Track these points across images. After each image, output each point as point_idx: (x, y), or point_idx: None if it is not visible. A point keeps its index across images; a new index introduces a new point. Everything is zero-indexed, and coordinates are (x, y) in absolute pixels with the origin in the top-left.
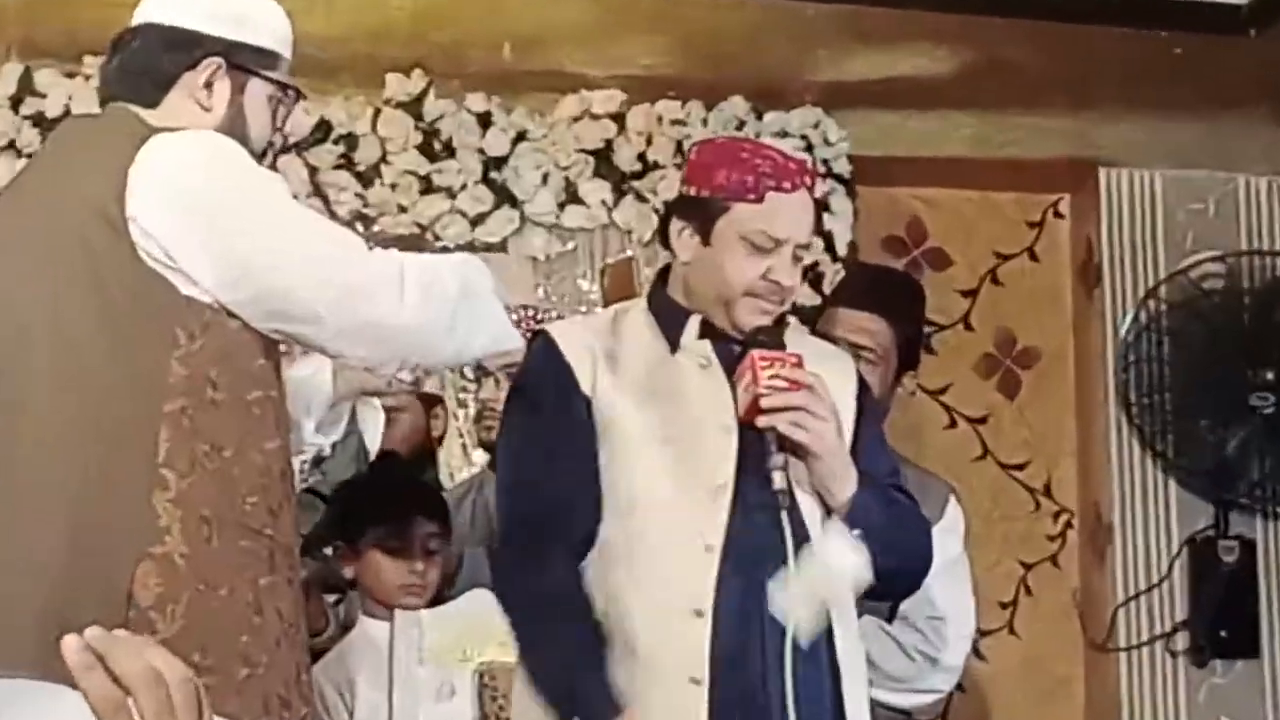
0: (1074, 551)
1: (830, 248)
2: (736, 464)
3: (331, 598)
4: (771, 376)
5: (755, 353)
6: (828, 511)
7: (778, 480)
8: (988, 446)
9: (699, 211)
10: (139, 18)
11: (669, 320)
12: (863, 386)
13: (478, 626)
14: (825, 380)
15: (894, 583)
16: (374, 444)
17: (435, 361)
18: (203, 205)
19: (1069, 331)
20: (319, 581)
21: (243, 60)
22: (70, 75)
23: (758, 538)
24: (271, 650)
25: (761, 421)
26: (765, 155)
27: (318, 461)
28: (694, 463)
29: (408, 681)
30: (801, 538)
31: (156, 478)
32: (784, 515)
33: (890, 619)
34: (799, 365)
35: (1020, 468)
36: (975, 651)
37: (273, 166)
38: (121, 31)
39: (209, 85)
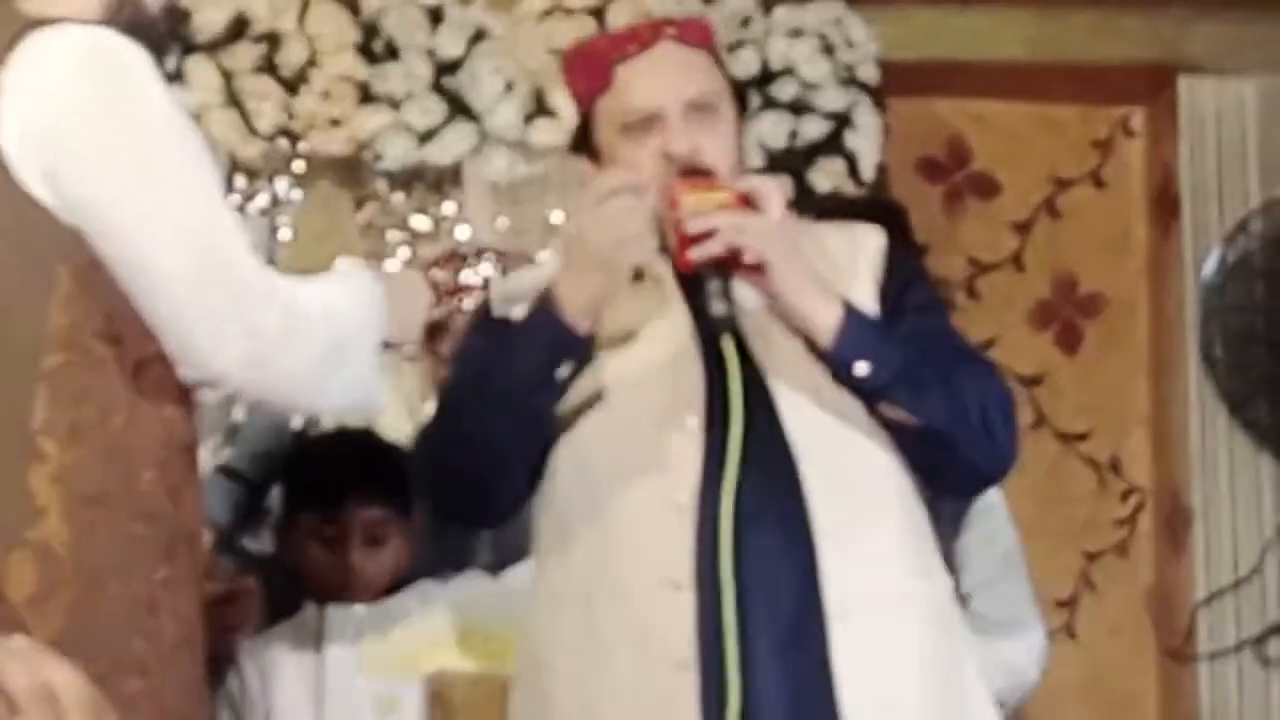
0: (1146, 540)
1: (854, 172)
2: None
3: None
4: (696, 203)
5: (677, 180)
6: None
7: (717, 307)
8: (1043, 413)
9: (579, 137)
10: None
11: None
12: (895, 251)
13: (427, 628)
14: (823, 247)
15: (957, 449)
16: None
17: (271, 401)
18: (66, 123)
19: (1141, 274)
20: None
21: None
22: None
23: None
24: (167, 658)
25: (693, 255)
26: (608, 34)
27: (230, 432)
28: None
29: (343, 694)
30: (752, 379)
31: (32, 449)
32: (725, 342)
33: None
34: (732, 186)
35: (1082, 438)
36: None
37: (177, 70)
38: None
39: None
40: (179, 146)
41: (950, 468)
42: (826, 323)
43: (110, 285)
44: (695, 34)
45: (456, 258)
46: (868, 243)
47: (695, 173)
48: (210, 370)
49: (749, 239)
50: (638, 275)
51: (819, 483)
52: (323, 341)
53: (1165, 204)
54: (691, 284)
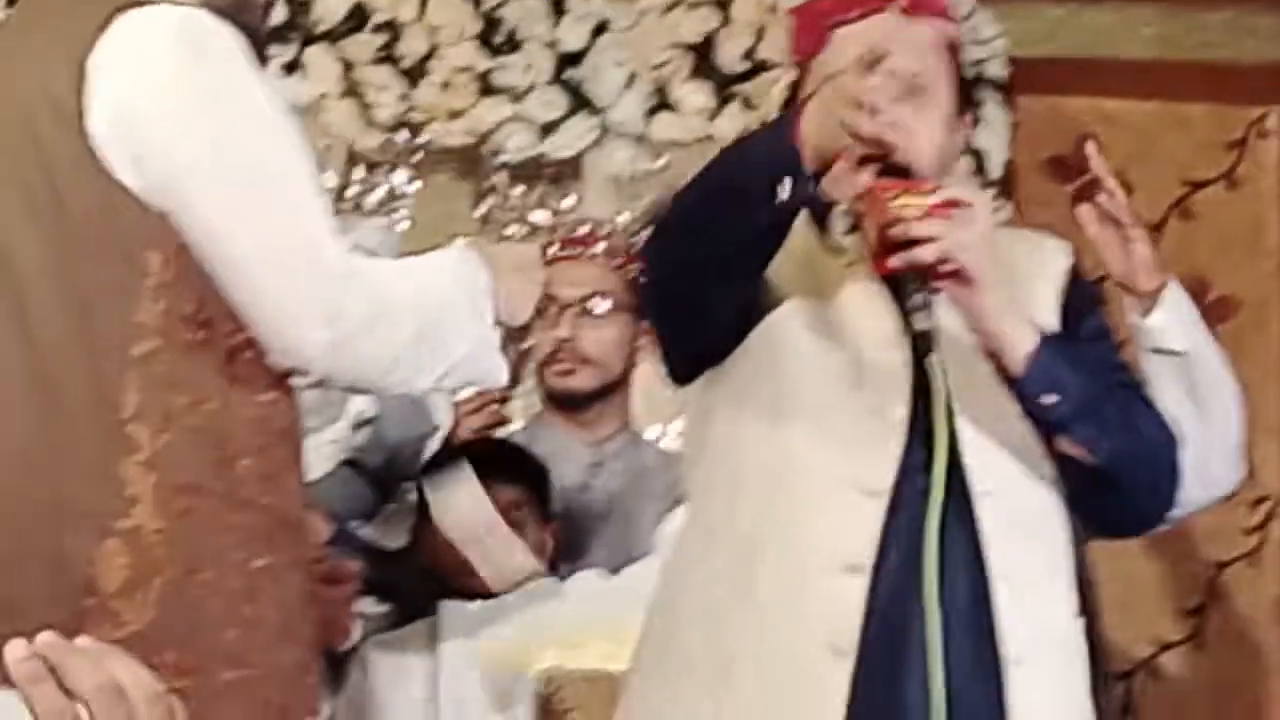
0: (1277, 549)
1: (981, 169)
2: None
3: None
4: (901, 206)
5: (876, 183)
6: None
7: (920, 321)
8: None
9: (793, 93)
10: None
11: (817, 207)
12: (1078, 274)
13: (541, 625)
14: (1010, 261)
15: (1127, 490)
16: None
17: (362, 384)
18: (153, 105)
19: (1274, 277)
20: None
21: None
22: None
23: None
24: (266, 648)
25: (894, 262)
26: None
27: (358, 425)
28: (855, 386)
29: (457, 689)
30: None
31: (122, 438)
32: (933, 361)
33: None
34: (939, 190)
35: None
36: (1150, 669)
37: (296, 60)
38: None
39: None
40: (265, 129)
41: (1114, 510)
42: (1021, 349)
43: (201, 271)
44: (925, 9)
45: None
46: (1055, 261)
47: (894, 171)
48: (294, 356)
49: (962, 251)
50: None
51: (995, 522)
52: (413, 325)
53: None
54: (891, 281)
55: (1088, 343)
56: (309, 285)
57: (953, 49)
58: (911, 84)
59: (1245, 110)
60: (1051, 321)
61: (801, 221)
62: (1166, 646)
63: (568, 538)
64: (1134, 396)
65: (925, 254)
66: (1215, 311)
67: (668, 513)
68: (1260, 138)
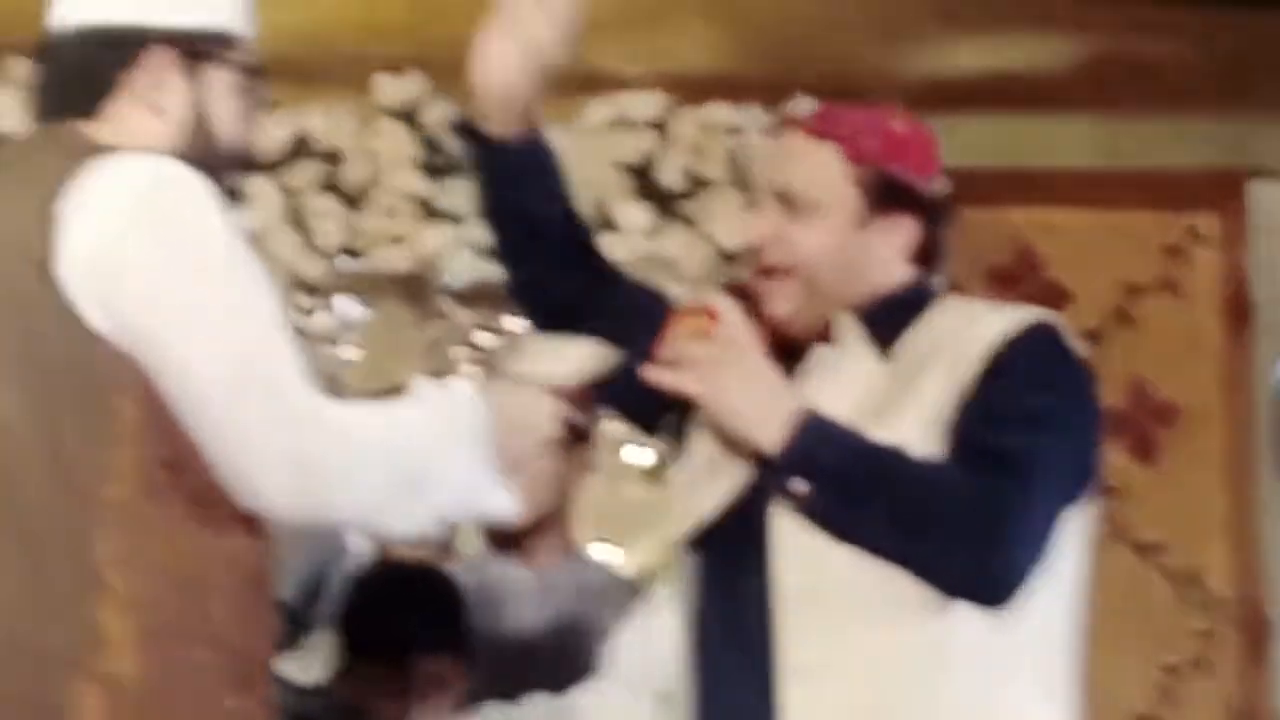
0: (1227, 652)
1: None
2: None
3: None
4: (675, 332)
5: (682, 309)
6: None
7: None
8: (1118, 524)
9: None
10: (58, 19)
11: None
12: (1022, 348)
13: None
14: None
15: (921, 574)
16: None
17: (336, 527)
18: (121, 250)
19: (1215, 381)
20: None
21: (196, 47)
22: None
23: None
24: None
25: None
26: None
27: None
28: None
29: None
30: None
31: (96, 581)
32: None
33: None
34: (707, 314)
35: (1160, 550)
36: None
37: (238, 190)
38: (44, 39)
39: (158, 84)
40: (232, 275)
41: (936, 589)
42: (769, 445)
43: (171, 414)
44: (823, 124)
45: None
46: (988, 330)
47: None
48: (259, 498)
49: (673, 376)
50: None
51: (797, 619)
52: (386, 471)
53: (1238, 309)
54: None
55: (971, 421)
56: (273, 428)
57: (861, 160)
58: (790, 196)
59: (1182, 216)
60: (931, 387)
61: None
62: None
63: (516, 663)
64: (946, 474)
65: (661, 383)
66: (1158, 416)
67: (613, 630)
68: (1198, 242)
